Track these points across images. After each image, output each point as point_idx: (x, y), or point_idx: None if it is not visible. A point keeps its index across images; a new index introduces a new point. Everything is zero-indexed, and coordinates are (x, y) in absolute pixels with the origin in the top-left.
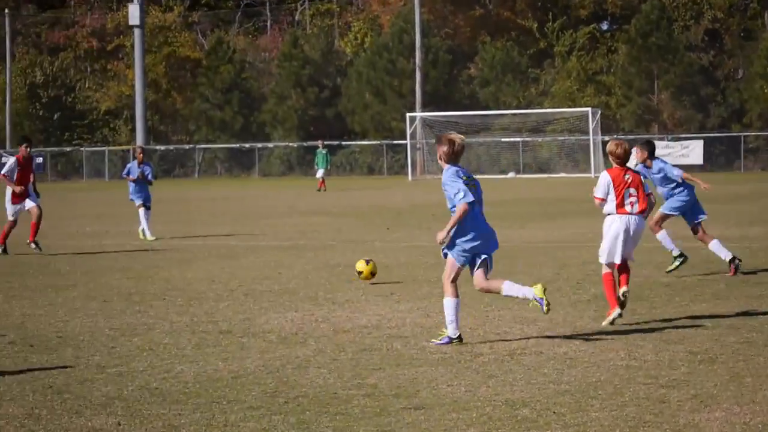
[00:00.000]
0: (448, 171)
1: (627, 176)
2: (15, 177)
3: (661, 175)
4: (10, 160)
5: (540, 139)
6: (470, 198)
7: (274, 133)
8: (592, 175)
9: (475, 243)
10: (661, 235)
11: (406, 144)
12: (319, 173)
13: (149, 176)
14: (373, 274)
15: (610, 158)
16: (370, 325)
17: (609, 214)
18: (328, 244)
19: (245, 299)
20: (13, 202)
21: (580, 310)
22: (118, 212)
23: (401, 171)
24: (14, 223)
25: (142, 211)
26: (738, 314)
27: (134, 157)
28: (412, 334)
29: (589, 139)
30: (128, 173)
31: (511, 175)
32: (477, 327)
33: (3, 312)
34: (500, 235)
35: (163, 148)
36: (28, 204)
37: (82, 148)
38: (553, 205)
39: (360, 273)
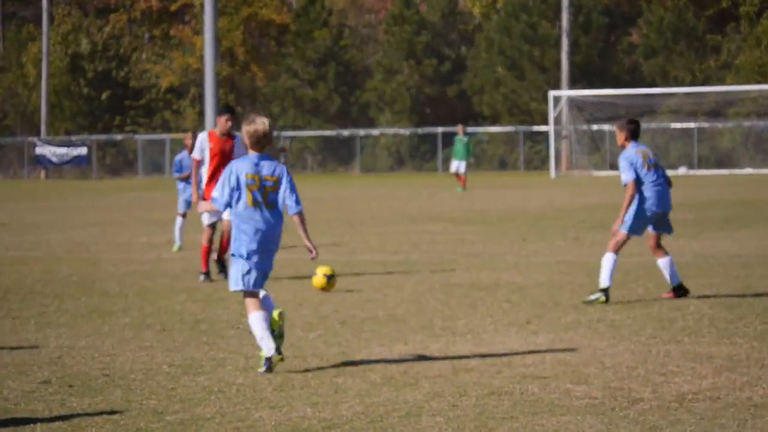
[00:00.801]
0: None
1: None
2: (209, 166)
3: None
4: (201, 137)
5: (720, 125)
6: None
7: (380, 118)
8: None
9: None
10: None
11: (548, 131)
12: (457, 166)
13: None
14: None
15: None
16: (499, 363)
17: None
18: (448, 259)
19: (341, 328)
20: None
21: None
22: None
23: (542, 166)
24: (212, 230)
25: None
26: None
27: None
28: (552, 375)
29: None
30: (180, 170)
31: (682, 170)
32: (636, 365)
33: (36, 343)
34: (668, 247)
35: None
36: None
37: (136, 136)
38: (737, 208)
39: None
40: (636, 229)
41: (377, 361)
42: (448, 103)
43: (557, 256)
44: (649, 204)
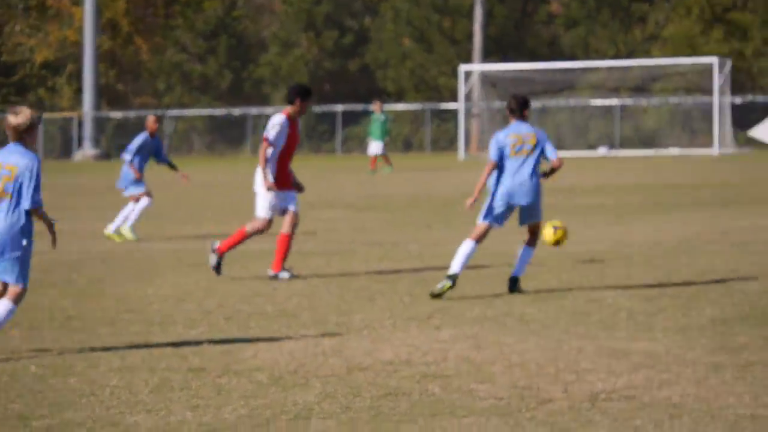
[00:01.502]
0: None
1: None
2: (282, 145)
3: None
4: (277, 119)
5: (645, 102)
6: None
7: (274, 95)
8: (717, 151)
9: None
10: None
11: (458, 109)
12: (375, 148)
13: (164, 156)
14: None
15: None
16: (397, 361)
17: None
18: (345, 248)
19: (226, 325)
20: (280, 187)
21: (691, 339)
22: (59, 204)
23: (450, 146)
24: (269, 225)
25: (145, 201)
26: None
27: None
28: (455, 373)
29: (712, 102)
30: (137, 151)
31: (602, 151)
32: (546, 362)
33: None
34: (587, 233)
35: (120, 115)
36: (290, 201)
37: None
38: (660, 192)
39: None
40: (495, 217)
41: (265, 360)
42: (350, 79)
43: None
44: (503, 193)
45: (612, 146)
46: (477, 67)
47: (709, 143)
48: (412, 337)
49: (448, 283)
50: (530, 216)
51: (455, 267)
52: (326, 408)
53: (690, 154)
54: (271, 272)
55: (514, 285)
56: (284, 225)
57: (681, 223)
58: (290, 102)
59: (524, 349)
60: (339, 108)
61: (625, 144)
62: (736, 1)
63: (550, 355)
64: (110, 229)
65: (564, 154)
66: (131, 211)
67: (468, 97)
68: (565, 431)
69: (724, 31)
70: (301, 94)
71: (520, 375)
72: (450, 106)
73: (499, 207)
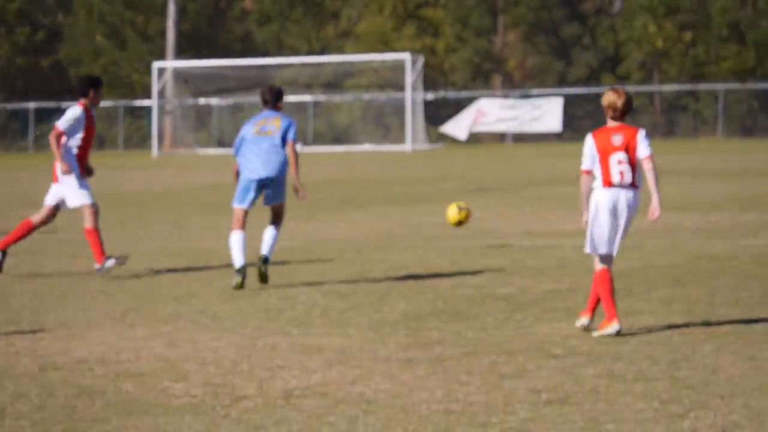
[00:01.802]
0: None
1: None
2: (81, 137)
3: None
4: (72, 112)
5: (338, 98)
6: None
7: None
8: (410, 147)
9: None
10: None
11: (151, 106)
12: None
13: None
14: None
15: (608, 114)
16: (91, 360)
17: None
18: (36, 247)
19: None
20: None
21: (384, 335)
22: None
23: (143, 144)
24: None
25: None
26: (601, 336)
27: None
28: (149, 371)
29: (405, 98)
30: None
31: (297, 147)
32: (241, 359)
33: None
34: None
35: None
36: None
37: None
38: (354, 189)
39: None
40: (241, 199)
41: None
42: (43, 76)
43: (158, 242)
44: (249, 171)
45: (305, 142)
46: (170, 63)
47: (402, 139)
48: (106, 335)
49: (239, 278)
50: (274, 197)
51: (237, 260)
52: (19, 408)
53: (383, 150)
54: (96, 266)
55: (264, 263)
56: (86, 221)
57: (374, 220)
58: (83, 94)
59: (218, 346)
60: (32, 105)
61: (317, 140)
62: None
63: (244, 353)
64: None
65: None
66: None
67: (161, 94)
68: (259, 428)
69: (416, 27)
70: (93, 85)
71: (215, 372)
72: (144, 102)
73: (245, 188)
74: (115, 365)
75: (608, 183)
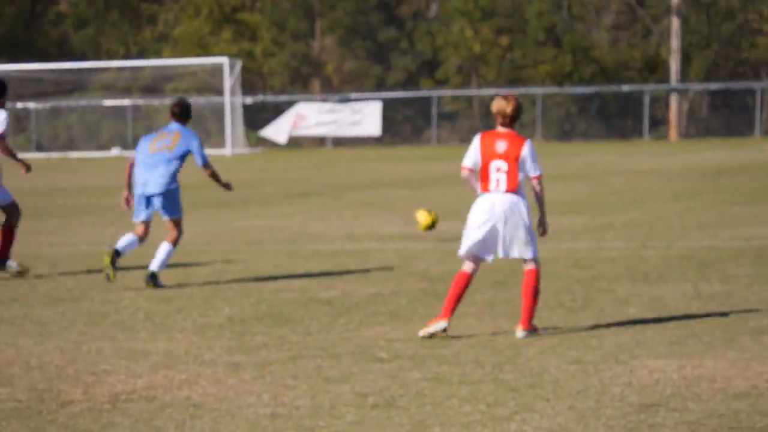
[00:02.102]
0: None
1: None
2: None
3: None
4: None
5: (157, 103)
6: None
7: None
8: (229, 151)
9: None
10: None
11: None
12: None
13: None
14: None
15: (498, 120)
16: None
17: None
18: None
19: None
20: None
21: (210, 338)
22: None
23: None
24: None
25: None
26: (423, 340)
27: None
28: None
29: (224, 102)
30: None
31: (115, 151)
32: (66, 364)
33: None
34: (93, 234)
35: None
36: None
37: None
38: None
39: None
40: (137, 213)
41: None
42: None
43: None
44: (140, 188)
45: (125, 146)
46: None
47: (221, 143)
48: None
49: (109, 250)
50: (165, 211)
51: (120, 244)
52: None
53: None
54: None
55: (153, 278)
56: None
57: (196, 223)
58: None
59: (43, 351)
60: None
61: (134, 144)
62: (245, 1)
63: (69, 357)
64: None
65: (76, 155)
66: None
67: None
68: None
69: (233, 32)
70: (2, 90)
71: (40, 377)
72: None
73: (138, 203)
74: None
75: (485, 189)
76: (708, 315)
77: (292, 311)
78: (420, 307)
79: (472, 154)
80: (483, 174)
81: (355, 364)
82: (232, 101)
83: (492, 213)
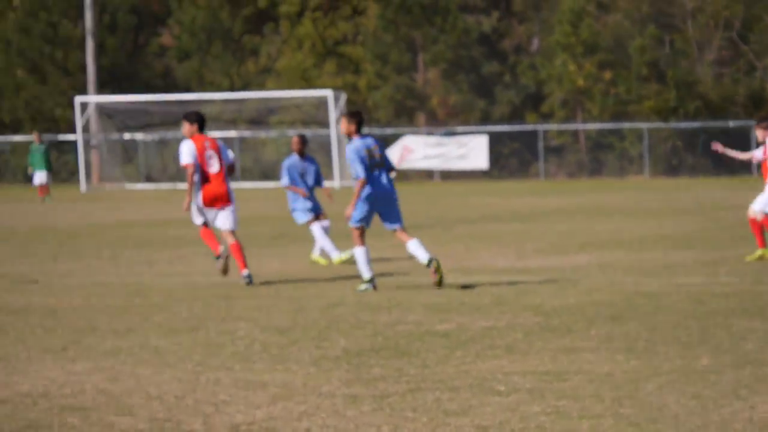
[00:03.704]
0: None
1: None
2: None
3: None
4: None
5: (264, 134)
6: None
7: None
8: (337, 183)
9: None
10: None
11: (76, 140)
12: (39, 178)
13: (319, 177)
14: None
15: None
16: (35, 394)
17: None
18: None
19: None
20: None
21: (326, 370)
22: None
23: (71, 178)
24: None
25: (318, 226)
26: (543, 373)
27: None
28: (93, 406)
29: (330, 134)
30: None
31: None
32: (185, 394)
33: None
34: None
35: None
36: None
37: None
38: (285, 224)
39: None
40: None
41: None
42: None
43: (93, 276)
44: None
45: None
46: (92, 98)
47: (329, 176)
48: (48, 369)
49: (369, 287)
50: (392, 216)
51: (365, 273)
52: None
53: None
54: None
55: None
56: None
57: (306, 255)
58: None
59: (161, 381)
60: (35, 137)
61: (245, 176)
62: (347, 35)
63: (187, 387)
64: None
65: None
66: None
67: (86, 128)
68: None
69: (336, 65)
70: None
71: (159, 407)
72: (68, 137)
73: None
74: (59, 399)
75: None
76: None
77: (408, 343)
78: (536, 340)
79: None
80: None
81: (473, 397)
82: (337, 133)
83: None
